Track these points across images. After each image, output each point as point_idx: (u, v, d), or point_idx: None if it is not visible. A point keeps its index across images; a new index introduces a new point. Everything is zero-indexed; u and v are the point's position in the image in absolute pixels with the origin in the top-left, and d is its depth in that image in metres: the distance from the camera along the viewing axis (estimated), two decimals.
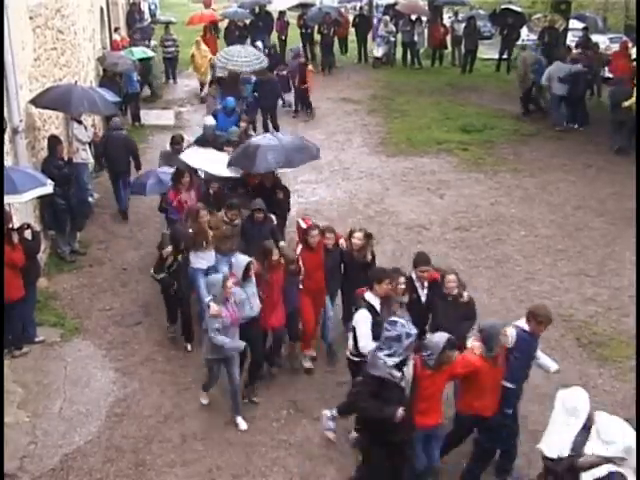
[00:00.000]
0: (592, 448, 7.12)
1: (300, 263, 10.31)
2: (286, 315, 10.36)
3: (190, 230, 11.17)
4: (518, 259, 14.15)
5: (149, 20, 30.69)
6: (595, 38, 26.23)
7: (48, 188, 11.18)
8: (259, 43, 25.38)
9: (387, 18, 30.53)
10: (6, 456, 8.53)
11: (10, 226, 10.46)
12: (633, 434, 7.01)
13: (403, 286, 9.44)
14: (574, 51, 23.76)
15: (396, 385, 7.61)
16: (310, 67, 23.30)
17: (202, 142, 15.05)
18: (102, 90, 16.26)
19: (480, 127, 21.81)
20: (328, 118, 23.11)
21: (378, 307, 9.00)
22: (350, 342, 9.12)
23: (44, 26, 14.51)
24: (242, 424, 9.64)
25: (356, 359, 8.96)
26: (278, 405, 10.06)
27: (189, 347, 11.34)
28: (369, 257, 10.89)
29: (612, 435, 7.03)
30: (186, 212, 11.79)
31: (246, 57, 19.96)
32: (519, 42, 29.92)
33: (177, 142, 14.66)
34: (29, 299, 10.95)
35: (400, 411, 7.47)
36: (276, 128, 19.97)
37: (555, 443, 7.34)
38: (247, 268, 9.66)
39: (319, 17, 28.88)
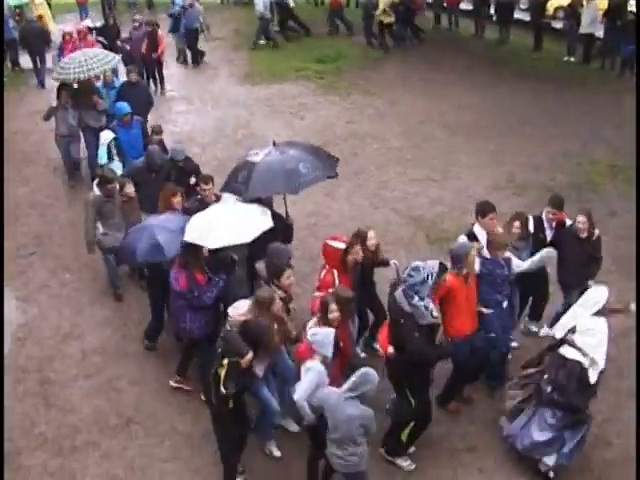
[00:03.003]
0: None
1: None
2: None
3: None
4: (372, 170, 14.19)
5: None
6: None
7: None
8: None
9: None
10: None
11: None
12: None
13: (518, 230, 8.56)
14: None
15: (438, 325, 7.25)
16: (160, 32, 18.31)
17: (139, 174, 10.26)
18: None
19: (334, 57, 21.50)
20: None
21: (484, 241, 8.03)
22: None
23: None
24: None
25: None
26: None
27: None
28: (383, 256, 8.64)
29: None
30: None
31: (86, 62, 12.78)
32: None
33: (108, 181, 9.76)
34: None
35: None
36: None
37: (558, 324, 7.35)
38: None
39: None
